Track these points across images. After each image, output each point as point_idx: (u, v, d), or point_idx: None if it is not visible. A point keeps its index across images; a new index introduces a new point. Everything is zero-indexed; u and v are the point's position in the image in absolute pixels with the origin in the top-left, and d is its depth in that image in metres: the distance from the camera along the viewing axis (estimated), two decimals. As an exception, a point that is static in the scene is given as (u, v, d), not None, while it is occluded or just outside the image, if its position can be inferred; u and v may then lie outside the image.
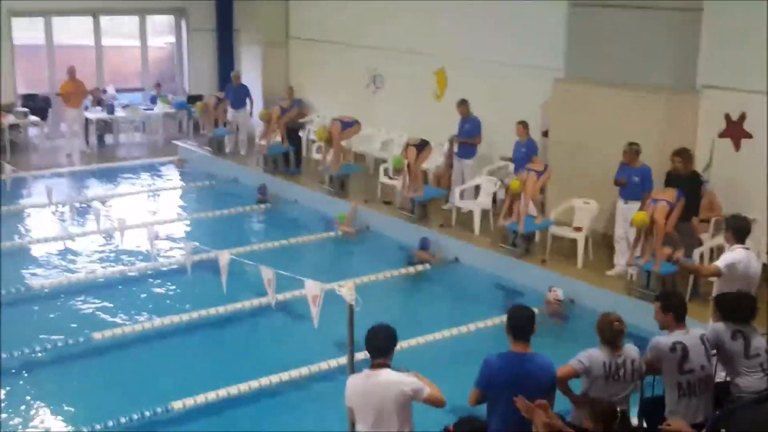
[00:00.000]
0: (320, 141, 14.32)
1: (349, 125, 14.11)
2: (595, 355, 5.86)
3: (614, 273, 10.61)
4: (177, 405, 7.57)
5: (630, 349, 5.96)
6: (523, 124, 12.24)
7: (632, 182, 10.47)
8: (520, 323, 5.62)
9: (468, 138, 13.23)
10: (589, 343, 6.07)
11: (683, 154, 10.24)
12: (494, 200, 12.75)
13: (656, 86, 11.11)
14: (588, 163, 11.68)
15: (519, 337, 5.59)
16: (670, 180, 10.38)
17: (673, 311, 6.11)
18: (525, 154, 12.13)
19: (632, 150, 10.42)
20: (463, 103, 13.33)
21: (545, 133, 12.88)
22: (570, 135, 12.06)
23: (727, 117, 10.87)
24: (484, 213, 12.38)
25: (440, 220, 12.65)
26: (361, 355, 8.17)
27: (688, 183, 10.14)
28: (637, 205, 10.38)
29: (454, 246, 11.83)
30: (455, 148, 13.45)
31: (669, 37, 11.08)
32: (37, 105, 18.27)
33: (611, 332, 5.83)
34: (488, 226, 12.26)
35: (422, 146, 12.69)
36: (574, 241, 11.12)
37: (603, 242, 11.46)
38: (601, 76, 11.67)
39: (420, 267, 11.42)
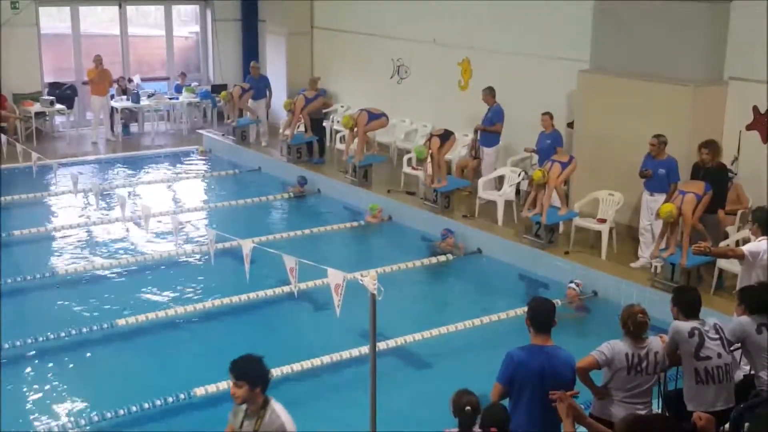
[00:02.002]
0: (346, 128, 14.29)
1: (376, 117, 14.07)
2: (618, 346, 5.82)
3: (638, 265, 10.54)
4: (199, 391, 7.61)
5: (653, 342, 5.92)
6: (549, 115, 12.19)
7: (658, 174, 10.38)
8: (541, 316, 5.61)
9: (489, 126, 13.19)
10: (612, 335, 6.03)
11: (710, 147, 10.13)
12: (518, 191, 12.71)
13: (683, 78, 10.98)
14: (613, 155, 11.60)
15: (540, 330, 5.58)
16: (697, 172, 10.28)
17: (679, 306, 6.09)
18: (550, 145, 12.07)
19: (659, 142, 10.33)
20: (488, 91, 13.28)
21: (570, 125, 12.80)
22: (595, 126, 11.98)
23: (755, 109, 10.75)
24: (508, 204, 12.34)
25: (463, 211, 12.62)
26: (383, 345, 8.24)
27: (715, 175, 10.04)
28: (662, 197, 10.30)
29: (477, 237, 11.79)
30: (478, 137, 13.42)
31: (696, 28, 10.95)
32: (63, 93, 18.44)
33: (635, 324, 5.79)
34: (512, 217, 12.22)
35: (446, 137, 12.63)
36: (598, 233, 11.05)
37: (627, 234, 11.38)
38: (627, 68, 11.57)
39: (442, 258, 11.40)
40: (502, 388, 5.57)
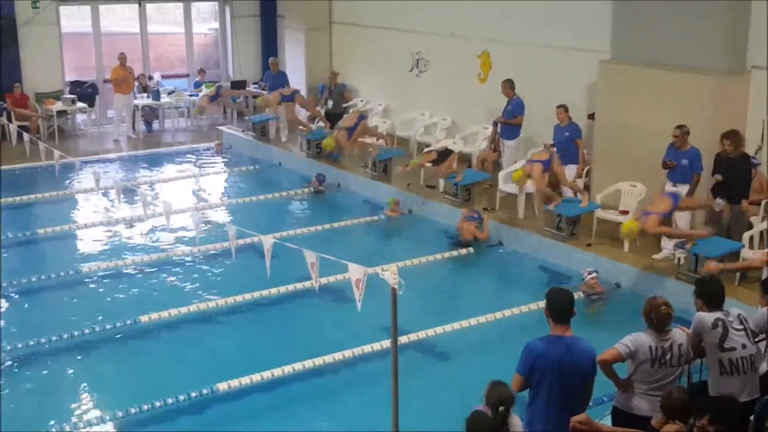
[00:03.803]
0: (328, 149, 14.49)
1: (353, 128, 14.04)
2: (641, 339, 5.78)
3: (661, 257, 10.45)
4: (222, 386, 7.65)
5: (677, 334, 5.88)
6: (564, 108, 12.10)
7: (681, 165, 10.30)
8: (560, 306, 5.57)
9: (510, 119, 13.14)
10: (635, 327, 5.99)
11: (732, 137, 10.04)
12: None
13: (704, 67, 10.87)
14: (635, 146, 11.50)
15: (559, 320, 5.55)
16: (720, 162, 10.19)
17: (703, 298, 6.03)
18: (569, 137, 12.00)
19: (682, 133, 10.24)
20: (508, 83, 13.23)
21: (591, 116, 12.71)
22: (616, 117, 11.88)
23: (779, 97, 10.63)
24: (529, 196, 12.27)
25: (484, 204, 12.58)
26: (405, 339, 8.23)
27: (738, 165, 9.94)
28: (685, 187, 10.24)
29: (498, 229, 11.75)
30: (498, 130, 13.37)
31: (718, 16, 10.82)
32: (85, 92, 18.57)
33: (659, 316, 5.75)
34: (532, 209, 12.16)
35: (444, 156, 12.62)
36: (620, 225, 10.97)
37: (650, 226, 11.28)
38: (648, 58, 11.46)
39: (463, 251, 11.38)
40: (522, 379, 5.56)
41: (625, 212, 11.05)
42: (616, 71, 11.91)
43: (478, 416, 5.07)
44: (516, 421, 5.36)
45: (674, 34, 11.15)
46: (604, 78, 12.11)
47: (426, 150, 12.54)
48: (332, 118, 15.84)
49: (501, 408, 5.16)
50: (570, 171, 12.00)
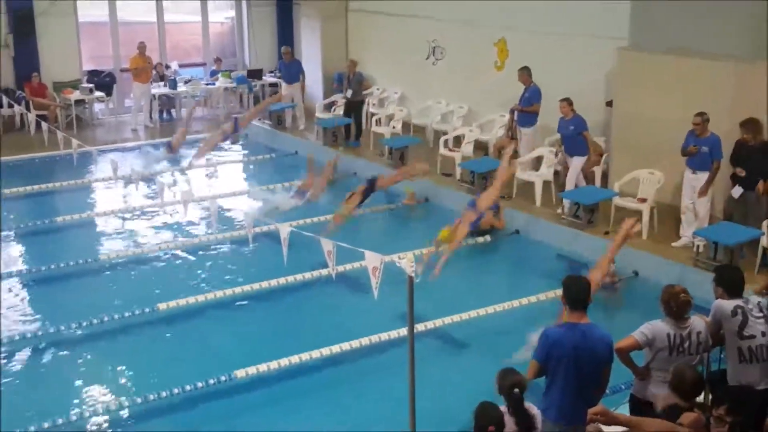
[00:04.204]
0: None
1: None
2: (659, 327, 5.76)
3: (680, 244, 10.40)
4: (240, 374, 7.68)
5: (696, 321, 5.84)
6: (567, 101, 11.92)
7: (701, 152, 10.22)
8: (577, 293, 5.56)
9: (527, 106, 13.08)
10: (653, 315, 5.97)
11: (750, 125, 9.96)
12: (556, 171, 12.58)
13: (724, 54, 10.76)
14: (653, 133, 11.43)
15: (575, 307, 5.53)
16: (740, 150, 10.10)
17: (724, 286, 5.99)
18: (574, 131, 11.87)
19: (703, 120, 10.15)
20: (524, 70, 13.16)
21: (609, 103, 12.63)
22: (634, 105, 11.81)
23: (800, 84, 10.50)
24: (546, 184, 12.23)
25: (501, 192, 12.51)
26: (421, 327, 8.23)
27: (758, 153, 9.85)
28: (704, 175, 10.18)
29: (516, 217, 11.72)
30: (515, 117, 13.31)
31: (738, 3, 10.70)
32: (102, 81, 18.65)
33: (678, 304, 5.72)
34: (550, 197, 12.11)
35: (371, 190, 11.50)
36: (638, 213, 10.91)
37: (668, 213, 11.22)
38: (667, 45, 11.37)
39: (480, 239, 11.35)
40: (538, 366, 5.55)
41: (644, 200, 10.99)
42: (634, 58, 11.82)
43: (485, 407, 5.06)
44: (533, 409, 5.37)
45: (692, 20, 11.05)
46: (622, 65, 12.02)
47: (348, 194, 11.20)
48: (352, 106, 15.82)
49: (515, 390, 5.15)
50: (578, 162, 11.91)
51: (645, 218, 10.76)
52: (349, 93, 15.91)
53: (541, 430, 5.39)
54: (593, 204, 11.08)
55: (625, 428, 5.01)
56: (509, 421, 5.19)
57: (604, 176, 12.42)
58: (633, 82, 11.83)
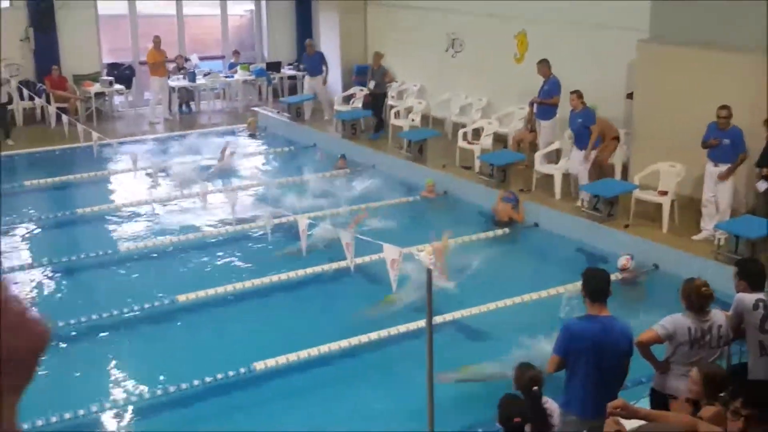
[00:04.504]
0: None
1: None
2: (680, 320, 5.71)
3: (701, 237, 10.31)
4: (259, 366, 7.70)
5: (717, 315, 5.79)
6: (577, 94, 11.84)
7: (723, 144, 10.13)
8: (597, 285, 5.54)
9: (546, 98, 13.01)
10: (673, 308, 5.93)
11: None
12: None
13: (747, 47, 10.64)
14: (674, 126, 11.33)
15: (596, 299, 5.51)
16: None
17: (747, 279, 5.94)
18: (581, 124, 11.78)
19: (729, 113, 10.04)
20: (543, 63, 13.08)
21: (630, 95, 12.54)
22: (655, 97, 11.71)
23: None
24: (565, 177, 12.16)
25: (520, 185, 12.48)
26: (440, 319, 8.22)
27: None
28: (726, 167, 10.07)
29: (535, 210, 11.67)
30: (535, 110, 13.25)
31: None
32: (122, 74, 18.73)
33: (699, 298, 5.67)
34: (569, 190, 12.05)
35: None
36: (659, 206, 10.84)
37: (689, 206, 11.14)
38: (689, 36, 11.26)
39: (499, 231, 11.32)
40: (558, 360, 5.53)
41: (664, 193, 10.90)
42: (655, 50, 11.72)
43: (510, 399, 5.04)
44: (551, 404, 5.34)
45: (715, 12, 10.93)
46: (643, 57, 11.93)
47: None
48: (375, 98, 15.82)
49: (534, 388, 5.14)
50: (578, 156, 11.85)
51: (666, 211, 10.68)
52: (372, 84, 15.90)
53: (560, 425, 5.36)
54: (613, 197, 11.02)
55: (644, 422, 4.98)
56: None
57: (625, 169, 12.34)
58: (654, 75, 11.73)
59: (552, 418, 5.26)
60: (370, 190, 13.15)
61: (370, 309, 8.82)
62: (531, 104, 13.45)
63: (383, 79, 16.01)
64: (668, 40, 11.54)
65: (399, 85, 17.51)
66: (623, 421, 4.84)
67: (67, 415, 6.95)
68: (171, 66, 18.74)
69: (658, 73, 11.64)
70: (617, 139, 12.45)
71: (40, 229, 11.71)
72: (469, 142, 14.02)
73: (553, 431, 5.26)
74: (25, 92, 15.54)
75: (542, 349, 6.98)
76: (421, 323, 7.69)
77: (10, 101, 16.31)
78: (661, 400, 5.80)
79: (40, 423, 6.74)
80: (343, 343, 8.11)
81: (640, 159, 11.85)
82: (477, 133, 14.46)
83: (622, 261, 9.71)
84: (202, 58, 20.21)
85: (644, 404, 5.76)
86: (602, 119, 12.31)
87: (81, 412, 7.05)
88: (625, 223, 10.80)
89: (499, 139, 14.43)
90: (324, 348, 8.01)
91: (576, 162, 11.86)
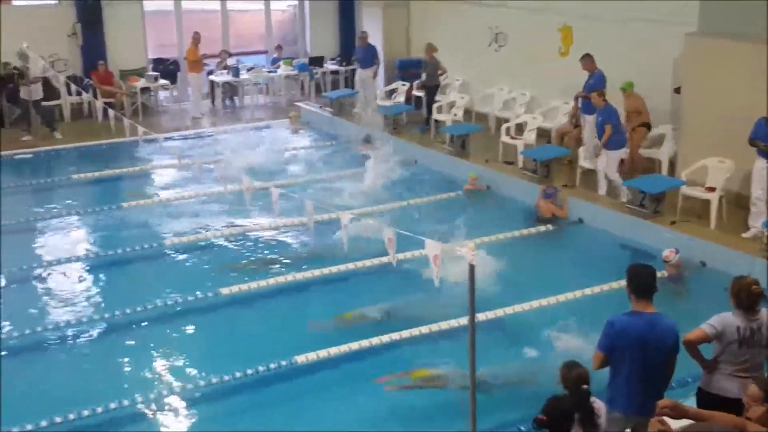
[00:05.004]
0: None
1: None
2: (728, 319, 5.60)
3: (750, 235, 10.11)
4: (300, 359, 7.73)
5: (766, 314, 5.66)
6: (598, 92, 11.89)
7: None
8: (643, 281, 5.46)
9: (590, 92, 12.84)
10: (721, 307, 5.81)
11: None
12: (621, 160, 12.33)
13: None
14: (723, 121, 11.10)
15: (641, 295, 5.43)
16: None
17: None
18: (600, 122, 11.70)
19: None
20: (587, 57, 12.93)
21: (677, 90, 12.33)
22: (704, 92, 11.48)
23: None
24: (610, 173, 12.00)
25: (564, 180, 12.35)
26: (482, 316, 8.16)
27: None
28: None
29: (579, 206, 11.54)
30: (579, 104, 13.10)
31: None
32: (167, 69, 18.94)
33: (749, 296, 5.56)
34: (613, 186, 11.88)
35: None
36: (706, 202, 10.65)
37: (738, 203, 10.93)
38: (737, 29, 11.01)
39: (542, 228, 11.22)
40: (602, 356, 5.46)
41: (712, 189, 10.71)
42: (704, 44, 11.49)
43: (556, 400, 4.97)
44: (598, 403, 5.27)
45: (764, 4, 10.67)
46: (691, 51, 11.71)
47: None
48: (428, 90, 15.80)
49: (584, 386, 5.07)
50: (614, 155, 11.79)
51: (713, 208, 10.48)
52: (424, 76, 15.87)
53: (605, 422, 5.29)
54: (659, 193, 10.84)
55: (692, 421, 4.89)
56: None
57: (671, 164, 12.15)
58: (702, 69, 11.50)
59: (599, 417, 5.18)
60: (411, 184, 13.12)
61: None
62: (575, 99, 13.30)
63: (436, 71, 15.93)
64: (717, 33, 11.32)
65: (443, 80, 17.41)
66: (671, 422, 4.76)
67: (112, 405, 7.05)
68: (215, 61, 18.90)
69: (706, 67, 11.42)
70: (647, 126, 12.30)
71: (85, 222, 11.88)
72: (512, 137, 13.92)
73: (600, 431, 5.19)
74: (73, 87, 15.77)
75: (584, 349, 6.88)
76: (463, 320, 7.64)
77: (51, 97, 16.51)
78: (708, 399, 5.69)
79: (86, 413, 6.92)
80: (384, 338, 8.10)
81: (687, 154, 11.64)
82: (520, 128, 14.34)
83: (666, 252, 9.56)
84: (245, 53, 20.37)
85: (691, 404, 5.66)
86: (638, 97, 12.13)
87: (125, 402, 7.16)
88: (671, 220, 10.63)
89: (543, 134, 14.30)
90: (365, 342, 8.01)
91: (603, 161, 11.75)
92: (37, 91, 15.81)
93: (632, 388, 5.39)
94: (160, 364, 7.97)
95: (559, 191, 11.62)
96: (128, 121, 12.28)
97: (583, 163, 12.36)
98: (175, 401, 7.33)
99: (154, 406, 7.25)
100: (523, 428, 6.57)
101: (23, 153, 15.04)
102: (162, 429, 7.06)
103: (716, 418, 4.82)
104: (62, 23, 17.70)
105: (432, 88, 15.97)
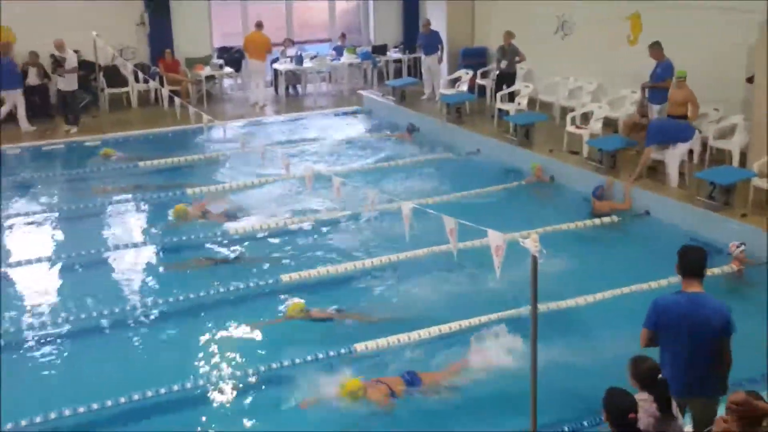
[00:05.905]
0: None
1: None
2: None
3: (825, 230, 9.76)
4: (360, 347, 7.74)
5: None
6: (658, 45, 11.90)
7: None
8: (691, 260, 5.43)
9: (659, 82, 12.54)
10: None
11: None
12: (690, 150, 12.02)
13: None
14: (798, 111, 10.74)
15: (690, 275, 5.40)
16: None
17: None
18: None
19: None
20: (655, 46, 12.61)
21: (750, 79, 11.95)
22: (778, 80, 11.10)
23: None
24: (679, 163, 11.70)
25: (630, 171, 12.07)
26: (544, 307, 8.04)
27: None
28: None
29: (646, 198, 11.29)
30: (646, 94, 12.79)
31: None
32: (232, 57, 19.14)
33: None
34: (682, 177, 11.60)
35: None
36: (779, 195, 10.32)
37: (812, 197, 10.56)
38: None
39: (606, 219, 11.00)
40: (648, 333, 5.47)
41: (785, 182, 10.37)
42: (780, 31, 11.11)
43: (619, 393, 4.83)
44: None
45: None
46: (765, 40, 11.31)
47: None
48: (505, 78, 15.65)
49: (660, 376, 4.92)
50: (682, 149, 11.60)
51: (786, 201, 10.16)
52: (503, 64, 15.70)
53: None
54: (730, 185, 10.54)
55: None
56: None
57: (743, 155, 11.80)
58: (777, 57, 11.13)
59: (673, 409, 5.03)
60: (474, 174, 12.99)
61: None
62: (643, 88, 12.99)
63: (514, 58, 15.72)
64: (794, 20, 10.93)
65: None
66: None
67: (175, 387, 7.17)
68: (279, 49, 19.02)
69: (782, 55, 11.04)
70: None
71: (150, 208, 12.08)
72: (577, 127, 13.68)
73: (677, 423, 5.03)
74: (140, 75, 16.04)
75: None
76: (525, 310, 7.54)
77: (118, 84, 16.75)
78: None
79: (136, 397, 7.03)
80: (444, 328, 8.07)
81: (759, 145, 11.28)
82: (586, 117, 14.09)
83: (730, 245, 9.32)
84: (308, 42, 20.46)
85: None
86: (689, 89, 11.75)
87: (188, 384, 7.27)
88: (742, 213, 10.32)
89: (609, 124, 14.02)
90: (424, 332, 7.98)
91: (670, 153, 11.46)
92: (71, 82, 15.68)
93: (677, 367, 5.35)
94: (215, 350, 8.05)
95: (606, 180, 11.36)
96: (193, 109, 12.43)
97: (651, 154, 12.06)
98: (237, 385, 7.40)
99: (216, 390, 7.33)
100: (585, 423, 6.46)
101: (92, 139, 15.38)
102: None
103: None
104: (131, 12, 18.01)
105: (510, 76, 15.78)
